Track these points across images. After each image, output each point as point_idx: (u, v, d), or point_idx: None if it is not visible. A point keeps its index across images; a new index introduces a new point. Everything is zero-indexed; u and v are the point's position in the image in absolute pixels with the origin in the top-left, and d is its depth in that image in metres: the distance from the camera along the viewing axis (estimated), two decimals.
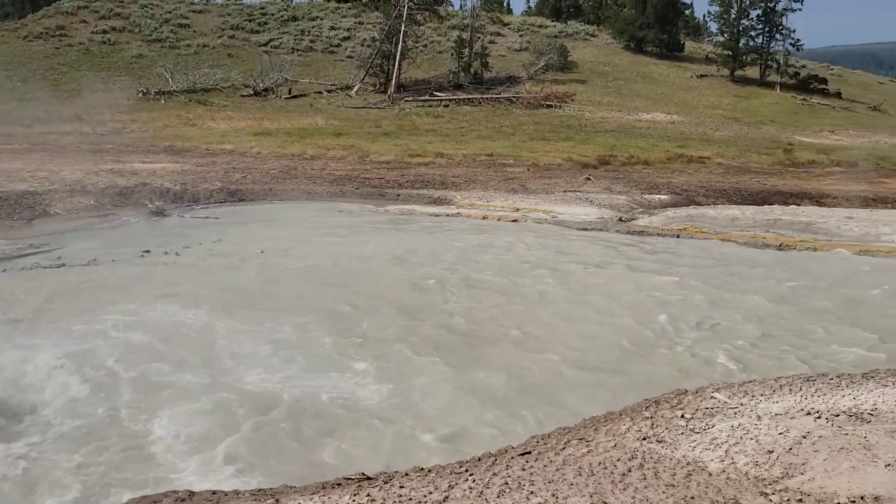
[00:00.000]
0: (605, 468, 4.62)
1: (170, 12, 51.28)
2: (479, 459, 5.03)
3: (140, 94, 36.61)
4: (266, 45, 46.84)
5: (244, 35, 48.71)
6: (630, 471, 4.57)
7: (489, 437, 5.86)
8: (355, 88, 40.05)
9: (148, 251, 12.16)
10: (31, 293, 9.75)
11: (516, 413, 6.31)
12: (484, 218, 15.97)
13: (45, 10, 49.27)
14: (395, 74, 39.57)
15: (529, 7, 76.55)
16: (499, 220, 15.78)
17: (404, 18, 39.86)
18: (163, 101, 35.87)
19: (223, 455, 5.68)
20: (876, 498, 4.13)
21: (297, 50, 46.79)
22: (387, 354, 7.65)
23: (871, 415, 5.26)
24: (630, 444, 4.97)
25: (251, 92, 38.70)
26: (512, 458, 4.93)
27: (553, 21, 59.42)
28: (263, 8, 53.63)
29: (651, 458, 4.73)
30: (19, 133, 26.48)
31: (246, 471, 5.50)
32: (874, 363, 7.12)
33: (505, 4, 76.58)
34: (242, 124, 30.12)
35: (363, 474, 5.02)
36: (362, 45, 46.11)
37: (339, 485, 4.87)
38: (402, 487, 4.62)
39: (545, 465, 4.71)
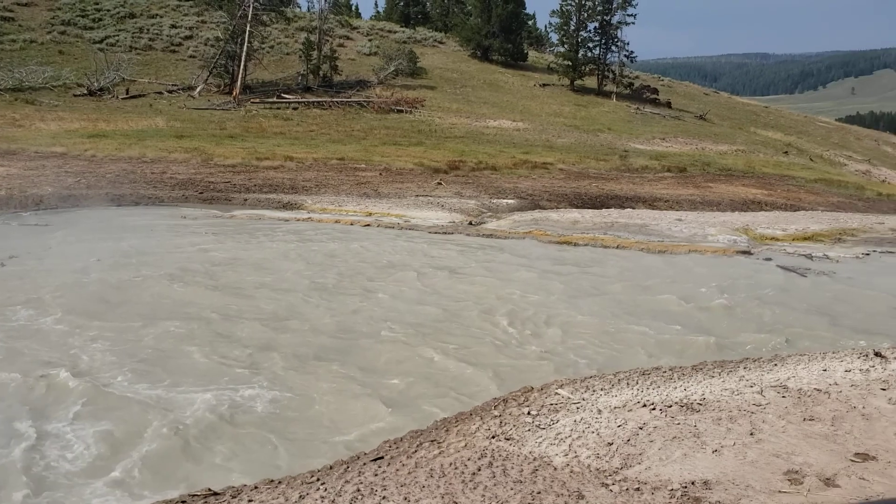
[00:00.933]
0: (456, 468, 4.68)
1: None
2: (331, 468, 4.95)
3: None
4: (101, 42, 44.20)
5: (77, 31, 45.74)
6: (480, 469, 4.65)
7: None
8: (198, 89, 38.58)
9: None
10: None
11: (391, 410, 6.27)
12: (336, 222, 15.83)
13: None
14: (240, 75, 38.48)
15: (378, 12, 76.80)
16: (351, 224, 15.69)
17: (249, 18, 38.86)
18: None
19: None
20: (705, 482, 4.41)
21: (136, 48, 44.49)
22: (258, 363, 7.38)
23: (700, 404, 5.63)
24: (480, 443, 5.06)
25: (85, 91, 36.39)
26: (364, 464, 4.89)
27: (402, 27, 59.89)
28: (98, 3, 50.59)
29: (500, 455, 4.84)
30: None
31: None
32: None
33: (353, 8, 76.35)
34: (75, 125, 28.25)
35: (209, 490, 4.81)
36: (205, 44, 44.50)
37: (183, 502, 4.65)
38: (250, 501, 4.48)
39: (397, 469, 4.71)
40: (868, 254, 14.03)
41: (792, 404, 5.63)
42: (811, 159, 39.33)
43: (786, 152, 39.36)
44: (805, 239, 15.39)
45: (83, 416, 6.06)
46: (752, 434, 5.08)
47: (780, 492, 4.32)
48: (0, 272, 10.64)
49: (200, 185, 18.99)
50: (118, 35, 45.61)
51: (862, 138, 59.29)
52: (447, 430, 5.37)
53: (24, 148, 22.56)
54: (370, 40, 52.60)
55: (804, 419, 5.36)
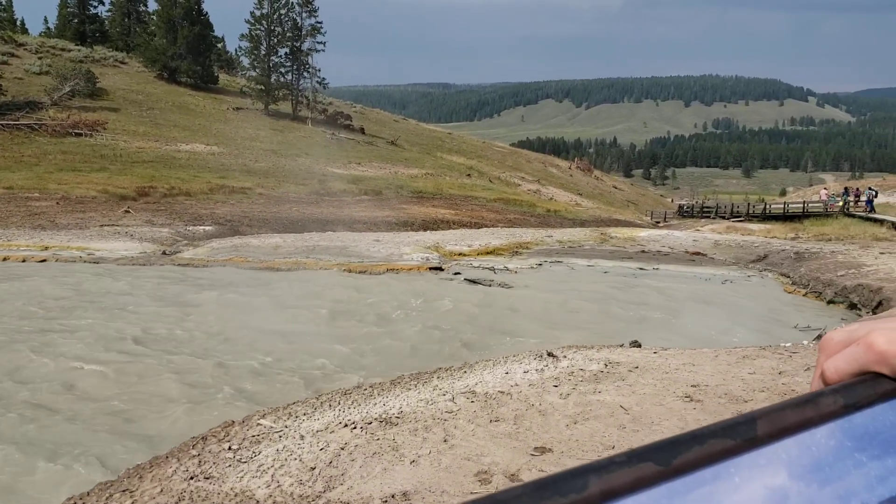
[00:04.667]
0: None
1: None
2: None
3: None
4: None
5: None
6: None
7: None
8: None
9: None
10: None
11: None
12: (4, 259, 14.09)
13: None
14: None
15: (49, 28, 69.92)
16: (24, 260, 14.06)
17: None
18: None
19: None
20: (404, 493, 4.60)
21: None
22: None
23: (398, 417, 5.86)
24: (177, 486, 4.80)
25: None
26: None
27: (77, 45, 55.23)
28: None
29: (199, 496, 4.62)
30: None
31: None
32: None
33: (19, 23, 68.78)
34: None
35: None
36: None
37: None
38: None
39: None
40: (541, 264, 15.67)
41: (480, 408, 6.08)
42: (490, 181, 43.04)
43: (469, 175, 42.66)
44: (488, 253, 16.79)
45: None
46: (445, 441, 5.40)
47: (472, 493, 4.64)
48: None
49: None
50: None
51: (532, 161, 66.22)
52: (140, 478, 5.02)
53: None
54: (40, 58, 47.78)
55: (490, 420, 5.81)
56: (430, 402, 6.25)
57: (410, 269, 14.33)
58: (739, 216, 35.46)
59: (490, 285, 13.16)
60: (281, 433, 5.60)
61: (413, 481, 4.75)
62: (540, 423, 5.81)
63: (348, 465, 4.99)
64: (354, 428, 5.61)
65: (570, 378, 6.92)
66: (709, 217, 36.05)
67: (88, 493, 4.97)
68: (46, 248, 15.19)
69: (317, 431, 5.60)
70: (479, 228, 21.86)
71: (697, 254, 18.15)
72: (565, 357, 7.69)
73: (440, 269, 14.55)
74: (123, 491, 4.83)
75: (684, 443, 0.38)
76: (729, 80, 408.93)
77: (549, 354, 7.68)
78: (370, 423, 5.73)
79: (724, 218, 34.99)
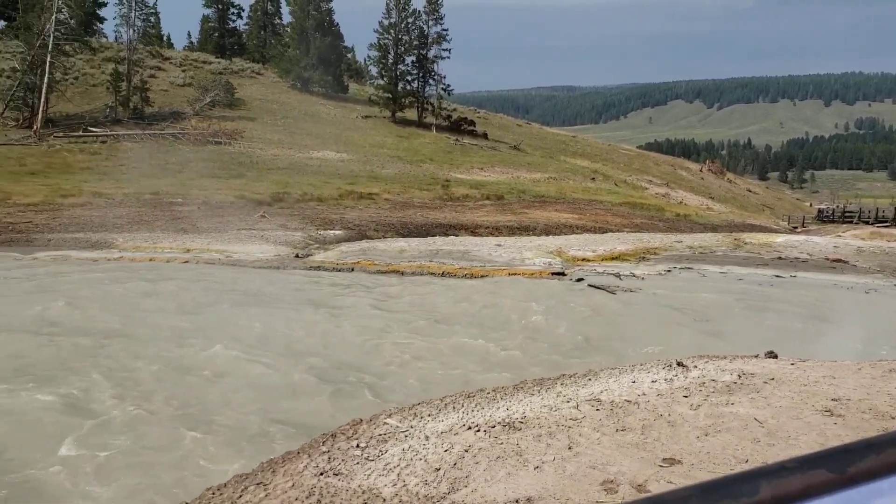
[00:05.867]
0: None
1: None
2: None
3: None
4: None
5: None
6: None
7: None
8: None
9: None
10: None
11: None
12: (151, 260, 15.06)
13: None
14: (41, 108, 35.88)
15: (192, 42, 74.37)
16: (167, 262, 14.98)
17: (50, 49, 36.42)
18: None
19: None
20: (528, 499, 4.58)
21: None
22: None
23: (521, 423, 5.84)
24: (308, 481, 4.97)
25: None
26: None
27: (217, 57, 58.40)
28: None
29: (328, 492, 4.77)
30: None
31: None
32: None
33: (165, 38, 73.52)
34: None
35: None
36: (0, 75, 41.19)
37: None
38: None
39: None
40: (669, 270, 15.22)
41: (605, 416, 5.97)
42: (616, 184, 42.24)
43: (593, 178, 42.02)
44: (613, 259, 16.47)
45: None
46: (570, 448, 5.34)
47: (597, 502, 4.56)
48: None
49: None
50: None
51: (660, 164, 64.49)
52: (273, 472, 5.24)
53: None
54: (184, 71, 50.86)
55: (616, 429, 5.69)
56: (554, 409, 6.19)
57: (532, 274, 14.26)
58: (885, 221, 33.23)
59: (615, 291, 12.90)
60: (406, 433, 5.69)
61: (537, 487, 4.71)
62: (669, 434, 5.64)
63: (472, 467, 5.01)
64: (478, 431, 5.63)
65: (700, 389, 6.68)
66: (851, 222, 34.00)
67: (225, 485, 5.23)
68: (189, 251, 16.11)
69: (441, 433, 5.66)
70: (603, 233, 21.49)
71: (838, 261, 17.12)
72: (696, 367, 7.43)
73: (563, 274, 14.40)
74: (258, 484, 5.05)
75: (858, 451, 0.35)
76: (874, 77, 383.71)
77: (679, 364, 7.44)
78: (493, 426, 5.74)
79: (867, 223, 32.90)
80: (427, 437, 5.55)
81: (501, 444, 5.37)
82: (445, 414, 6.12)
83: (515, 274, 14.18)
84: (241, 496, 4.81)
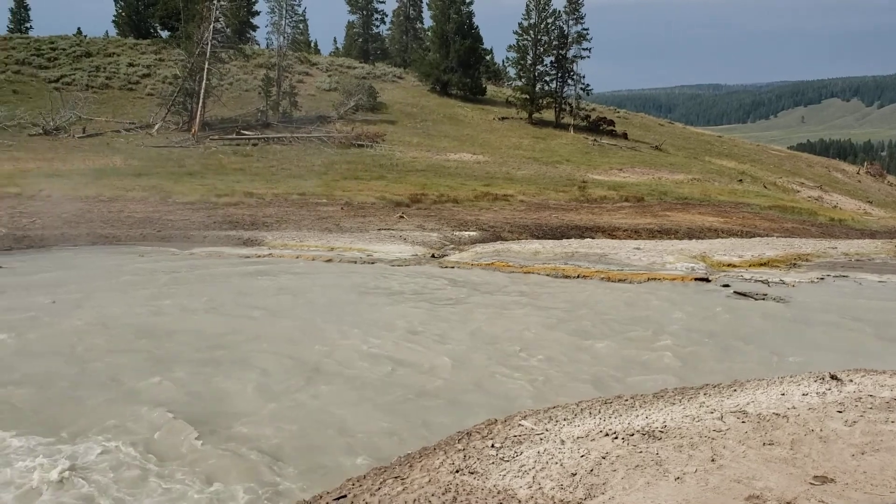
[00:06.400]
0: None
1: None
2: None
3: None
4: (57, 81, 43.79)
5: (32, 70, 45.26)
6: None
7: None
8: (156, 127, 38.31)
9: None
10: None
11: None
12: (297, 258, 15.74)
13: None
14: (199, 112, 38.32)
15: (337, 48, 77.31)
16: (313, 259, 15.61)
17: (208, 56, 38.82)
18: None
19: None
20: None
21: (92, 87, 44.11)
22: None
23: (662, 432, 5.67)
24: (444, 478, 5.03)
25: (41, 131, 35.89)
26: (328, 503, 4.82)
27: (361, 62, 60.33)
28: (53, 42, 50.15)
29: (464, 490, 4.81)
30: None
31: None
32: None
33: (313, 45, 76.79)
34: (31, 165, 27.77)
35: None
36: (163, 82, 44.34)
37: None
38: None
39: None
40: (822, 278, 14.34)
41: (752, 429, 5.70)
42: (765, 186, 40.24)
43: (740, 180, 40.23)
44: (761, 265, 15.69)
45: None
46: (713, 460, 5.13)
47: None
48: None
49: (159, 223, 18.79)
50: (74, 74, 45.21)
51: (813, 165, 60.89)
52: (411, 466, 5.33)
53: None
54: (330, 76, 52.86)
55: (764, 443, 5.42)
56: (697, 419, 5.96)
57: (674, 279, 13.82)
58: None
59: (763, 299, 12.29)
60: (542, 436, 5.65)
61: (678, 498, 4.56)
62: (820, 451, 5.31)
63: (610, 474, 4.91)
64: (616, 438, 5.51)
65: (856, 404, 6.25)
66: None
67: (364, 476, 5.38)
68: (332, 249, 16.72)
69: (577, 438, 5.58)
70: (750, 238, 20.53)
71: None
72: (851, 381, 6.96)
73: (707, 279, 13.86)
74: (395, 477, 5.16)
75: None
76: None
77: (833, 377, 7.00)
78: (632, 434, 5.60)
79: None
80: (563, 442, 5.49)
81: (640, 452, 5.23)
82: (581, 419, 6.03)
83: (655, 278, 13.79)
84: (379, 488, 4.93)
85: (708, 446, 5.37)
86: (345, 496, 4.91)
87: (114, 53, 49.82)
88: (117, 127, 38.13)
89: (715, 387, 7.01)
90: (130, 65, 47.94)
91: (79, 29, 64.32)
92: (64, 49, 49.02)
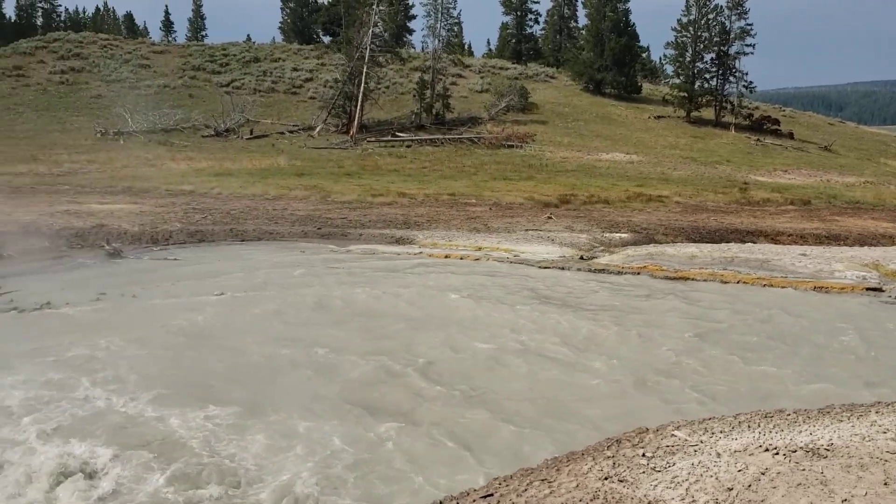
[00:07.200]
0: None
1: (130, 53, 51.18)
2: (441, 502, 4.97)
3: (98, 135, 36.28)
4: (227, 85, 46.90)
5: (205, 76, 48.74)
6: None
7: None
8: (317, 129, 40.16)
9: (104, 294, 11.93)
10: None
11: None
12: (446, 257, 16.00)
13: (3, 51, 48.83)
14: (357, 115, 39.79)
15: (490, 49, 77.91)
16: (461, 258, 15.81)
17: (366, 60, 40.22)
18: (122, 142, 35.58)
19: None
20: None
21: (259, 91, 46.91)
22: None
23: (828, 450, 5.32)
24: (592, 484, 4.95)
25: (212, 132, 38.59)
26: (474, 500, 4.88)
27: (513, 63, 60.46)
28: (225, 49, 53.79)
29: (613, 498, 4.72)
30: None
31: None
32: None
33: (466, 47, 77.80)
34: (203, 164, 29.92)
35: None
36: (324, 86, 46.40)
37: None
38: None
39: None
40: None
41: None
42: None
43: None
44: None
45: None
46: (885, 483, 4.75)
47: None
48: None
49: (318, 220, 19.65)
50: (243, 78, 48.24)
51: None
52: (558, 470, 5.29)
53: (155, 186, 24.07)
54: (482, 77, 53.35)
55: None
56: (867, 439, 5.55)
57: (843, 288, 12.91)
58: None
59: None
60: (696, 447, 5.44)
61: None
62: None
63: (769, 492, 4.65)
64: (776, 454, 5.22)
65: None
66: None
67: (511, 477, 5.39)
68: (480, 249, 16.85)
69: (734, 451, 5.33)
70: None
71: None
72: None
73: (880, 290, 12.85)
74: (542, 480, 5.14)
75: None
76: None
77: None
78: (794, 451, 5.28)
79: None
80: (719, 455, 5.26)
81: (803, 470, 4.92)
82: (739, 432, 5.75)
83: (822, 287, 12.94)
84: (526, 489, 4.93)
85: (880, 468, 4.98)
86: (491, 495, 4.95)
87: (279, 59, 52.72)
88: (281, 129, 40.30)
89: (889, 405, 6.50)
90: (294, 69, 50.53)
91: (248, 36, 68.82)
92: (234, 55, 52.43)
